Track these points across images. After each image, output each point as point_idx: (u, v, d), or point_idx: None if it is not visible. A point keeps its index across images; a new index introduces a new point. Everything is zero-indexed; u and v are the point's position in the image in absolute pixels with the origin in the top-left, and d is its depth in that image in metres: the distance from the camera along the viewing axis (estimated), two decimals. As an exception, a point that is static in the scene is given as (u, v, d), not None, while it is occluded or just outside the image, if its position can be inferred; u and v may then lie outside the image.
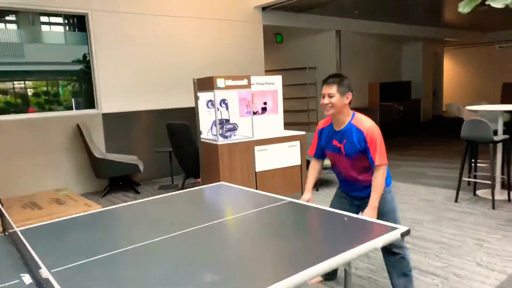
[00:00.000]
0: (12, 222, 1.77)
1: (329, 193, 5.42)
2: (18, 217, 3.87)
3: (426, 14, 10.05)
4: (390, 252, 2.48)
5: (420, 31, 11.64)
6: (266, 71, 8.57)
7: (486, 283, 2.80)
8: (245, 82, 4.57)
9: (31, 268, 1.47)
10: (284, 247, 1.71)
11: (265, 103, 5.12)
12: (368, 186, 2.48)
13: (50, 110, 6.16)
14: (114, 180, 6.00)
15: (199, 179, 5.31)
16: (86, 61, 6.33)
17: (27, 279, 1.44)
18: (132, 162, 5.74)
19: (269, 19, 8.16)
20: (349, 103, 2.49)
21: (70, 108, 6.35)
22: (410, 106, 12.47)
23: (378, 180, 2.37)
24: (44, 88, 6.31)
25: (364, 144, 2.39)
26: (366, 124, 2.42)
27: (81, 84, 6.60)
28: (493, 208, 4.39)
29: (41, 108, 6.12)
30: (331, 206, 2.67)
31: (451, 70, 16.18)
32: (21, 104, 6.03)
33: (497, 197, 4.68)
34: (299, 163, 4.98)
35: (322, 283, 2.91)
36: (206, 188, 2.92)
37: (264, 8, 7.94)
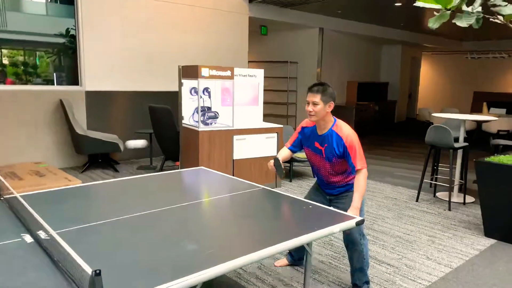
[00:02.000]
0: (11, 188, 1.94)
1: (301, 184, 5.71)
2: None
3: (406, 19, 10.41)
4: (351, 246, 2.74)
5: (399, 35, 12.01)
6: (249, 61, 8.74)
7: (432, 274, 3.12)
8: (228, 73, 4.76)
9: (31, 229, 1.66)
10: (255, 227, 1.95)
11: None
12: (339, 186, 2.76)
13: (29, 82, 6.16)
14: (93, 157, 6.11)
15: (178, 163, 5.50)
16: (69, 36, 6.34)
17: (28, 238, 1.63)
18: (113, 141, 5.86)
19: (255, 11, 8.32)
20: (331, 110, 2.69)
21: (50, 82, 6.37)
22: (386, 107, 12.88)
23: (360, 182, 2.56)
24: (25, 59, 6.29)
25: (343, 149, 2.60)
26: (346, 131, 2.63)
27: (63, 58, 6.61)
28: (449, 209, 4.75)
29: (19, 79, 6.11)
30: (307, 196, 2.93)
31: (428, 75, 16.70)
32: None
33: (454, 199, 5.06)
34: (275, 154, 5.24)
35: (289, 266, 3.18)
36: (186, 171, 3.13)
37: (251, 0, 8.10)
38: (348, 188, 2.76)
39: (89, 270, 1.15)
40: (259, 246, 1.66)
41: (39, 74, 6.38)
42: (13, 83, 5.97)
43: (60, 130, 6.08)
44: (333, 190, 2.81)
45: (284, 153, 2.93)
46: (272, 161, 2.78)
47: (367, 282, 2.80)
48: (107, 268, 1.15)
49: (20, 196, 1.95)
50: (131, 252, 1.59)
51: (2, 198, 2.12)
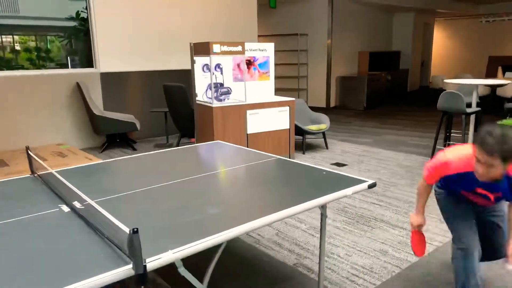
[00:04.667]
0: (45, 165, 2.09)
1: (314, 155, 5.82)
2: (27, 166, 4.16)
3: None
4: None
5: (411, 1, 11.77)
6: (258, 36, 8.73)
7: (445, 236, 3.24)
8: (239, 48, 4.82)
9: (67, 200, 1.81)
10: (271, 193, 2.07)
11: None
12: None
13: (42, 67, 6.30)
14: (111, 137, 6.30)
15: (193, 139, 5.64)
16: (79, 18, 6.43)
17: (65, 208, 1.79)
18: (129, 121, 6.02)
19: (264, -16, 8.27)
20: None
21: (65, 66, 6.51)
22: (398, 76, 12.76)
23: None
24: (39, 44, 6.43)
25: None
26: None
27: (75, 42, 6.72)
28: (462, 174, 4.82)
29: (33, 65, 6.25)
30: (456, 215, 2.31)
31: (441, 41, 16.38)
32: (14, 59, 6.16)
33: (467, 164, 5.12)
34: (288, 127, 5.34)
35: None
36: (202, 145, 3.26)
37: (260, -27, 8.04)
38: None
39: (126, 229, 1.28)
40: (276, 209, 1.78)
41: (53, 59, 6.52)
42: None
43: (78, 112, 6.26)
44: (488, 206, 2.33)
45: (426, 195, 2.36)
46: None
47: None
48: (139, 230, 1.28)
49: (57, 170, 2.10)
50: (159, 217, 1.73)
51: (36, 175, 2.28)
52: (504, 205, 2.30)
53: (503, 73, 11.21)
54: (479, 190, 2.11)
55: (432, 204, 3.89)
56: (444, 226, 3.42)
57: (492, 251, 2.38)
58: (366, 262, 2.84)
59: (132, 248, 1.25)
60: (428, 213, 3.71)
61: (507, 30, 14.35)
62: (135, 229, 1.22)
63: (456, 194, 2.28)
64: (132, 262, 1.29)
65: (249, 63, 5.23)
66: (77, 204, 1.75)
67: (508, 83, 5.54)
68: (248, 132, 5.01)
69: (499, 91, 8.99)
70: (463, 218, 2.25)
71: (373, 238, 3.21)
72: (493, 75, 12.35)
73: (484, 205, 2.29)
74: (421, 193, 2.34)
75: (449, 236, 3.23)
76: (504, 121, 3.99)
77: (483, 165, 1.89)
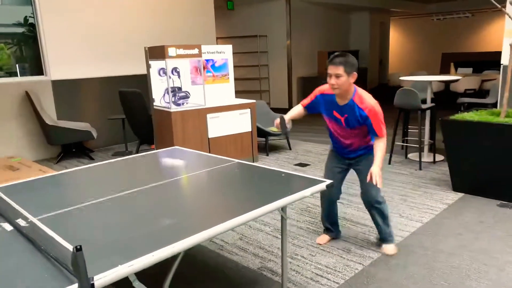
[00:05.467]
0: (-15, 182, 1.95)
1: (278, 157, 5.82)
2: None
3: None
4: (374, 207, 2.87)
5: (366, 1, 12.06)
6: (217, 38, 8.67)
7: (404, 230, 3.30)
8: (196, 51, 4.74)
9: (9, 218, 1.69)
10: (230, 198, 2.02)
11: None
12: (360, 149, 2.82)
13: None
14: (67, 147, 6.04)
15: (153, 146, 5.50)
16: (27, 24, 6.14)
17: (7, 226, 1.67)
18: (85, 129, 5.80)
19: (220, -14, 8.21)
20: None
21: (13, 74, 6.20)
22: (357, 75, 13.03)
23: (381, 146, 2.61)
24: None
25: (365, 120, 2.60)
26: (367, 103, 2.59)
27: (24, 48, 6.42)
28: (420, 169, 4.95)
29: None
30: (326, 167, 3.03)
31: (397, 40, 16.90)
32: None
33: (424, 159, 5.27)
34: (250, 130, 5.31)
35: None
36: (161, 152, 3.17)
37: (216, -25, 7.98)
38: (367, 151, 2.81)
39: (70, 247, 1.20)
40: (235, 215, 1.74)
41: (1, 67, 6.19)
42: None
43: (29, 122, 5.97)
44: (354, 153, 2.85)
45: (297, 110, 2.89)
46: (278, 119, 2.75)
47: (391, 235, 2.96)
48: (87, 246, 1.21)
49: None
50: (109, 232, 1.65)
51: (-24, 192, 2.12)
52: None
53: (456, 69, 11.70)
54: (335, 113, 2.71)
55: (394, 200, 3.97)
56: (404, 220, 3.49)
57: (362, 193, 2.91)
58: (330, 261, 2.84)
59: (77, 267, 1.17)
60: (390, 208, 3.78)
61: (458, 27, 14.99)
62: (78, 247, 1.14)
63: (332, 140, 2.94)
64: (77, 282, 1.21)
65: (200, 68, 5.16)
66: (21, 222, 1.64)
67: (460, 79, 5.75)
68: (210, 136, 4.94)
69: (452, 87, 9.35)
70: (329, 169, 2.99)
71: (336, 237, 3.22)
72: (447, 71, 12.86)
73: (343, 142, 2.84)
74: (295, 108, 2.93)
75: (408, 230, 3.29)
76: (456, 116, 4.12)
77: (332, 77, 2.53)
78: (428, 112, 5.31)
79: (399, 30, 16.81)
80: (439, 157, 5.34)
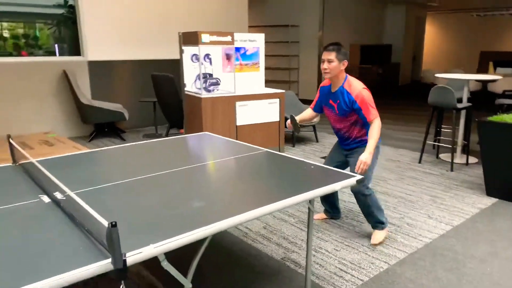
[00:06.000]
0: (27, 154, 2.02)
1: (304, 148, 5.79)
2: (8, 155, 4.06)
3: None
4: (357, 196, 2.96)
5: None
6: (249, 26, 8.64)
7: (433, 232, 3.23)
8: (228, 38, 4.74)
9: (48, 191, 1.74)
10: (258, 186, 2.03)
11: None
12: (354, 142, 2.98)
13: (30, 54, 6.17)
14: (100, 126, 6.20)
15: (182, 130, 5.57)
16: (67, 6, 6.28)
17: (45, 198, 1.73)
18: (118, 110, 5.92)
19: (256, -26, 8.15)
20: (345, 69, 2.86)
21: (52, 53, 6.37)
22: (389, 70, 12.77)
23: (374, 129, 2.77)
24: (27, 32, 6.28)
25: (354, 105, 2.80)
26: (355, 88, 2.81)
27: (63, 29, 6.58)
28: (452, 170, 4.82)
29: (21, 51, 6.12)
30: (329, 154, 3.24)
31: (433, 35, 16.39)
32: (2, 46, 6.02)
33: (457, 160, 5.12)
34: (278, 120, 5.29)
35: (325, 220, 3.42)
36: (190, 137, 3.20)
37: (252, -37, 7.92)
38: (361, 144, 2.94)
39: (105, 222, 1.23)
40: (262, 203, 1.74)
41: (41, 46, 6.38)
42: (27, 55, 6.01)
43: (66, 101, 6.14)
44: (348, 146, 3.03)
45: (306, 113, 3.19)
46: (289, 120, 3.00)
47: (381, 222, 3.03)
48: (120, 223, 1.23)
49: (36, 161, 2.03)
50: (141, 210, 1.68)
51: (17, 164, 2.21)
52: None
53: (494, 69, 11.26)
54: (330, 101, 2.94)
55: (423, 200, 3.89)
56: (433, 222, 3.41)
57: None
58: (355, 257, 2.82)
59: (111, 242, 1.20)
60: (417, 208, 3.70)
61: (499, 25, 14.40)
62: (114, 223, 1.16)
63: (334, 131, 3.11)
64: (111, 257, 1.24)
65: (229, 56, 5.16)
66: (58, 195, 1.69)
67: (499, 79, 5.54)
68: (238, 124, 4.95)
69: (490, 87, 9.03)
70: (329, 157, 3.19)
71: (362, 233, 3.19)
72: (485, 71, 12.40)
73: (340, 131, 3.01)
74: (305, 111, 3.22)
75: (437, 232, 3.22)
76: (495, 117, 3.98)
77: (325, 62, 2.79)
78: (463, 112, 5.15)
79: (435, 25, 16.30)
80: (473, 159, 5.18)
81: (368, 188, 2.90)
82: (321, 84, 3.09)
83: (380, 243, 2.99)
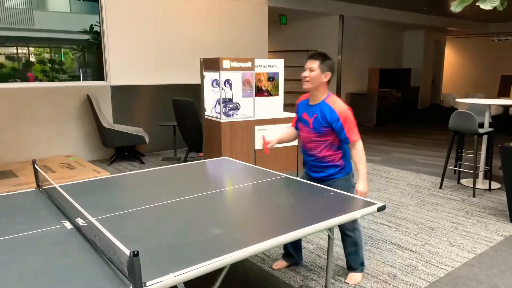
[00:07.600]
0: (50, 179, 2.08)
1: (323, 173, 5.74)
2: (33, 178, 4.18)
3: (429, 2, 10.17)
4: (346, 233, 2.75)
5: (422, 19, 11.75)
6: (268, 51, 8.76)
7: (455, 260, 3.14)
8: (249, 64, 4.82)
9: (70, 217, 1.78)
10: (277, 213, 2.03)
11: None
12: (329, 166, 2.66)
13: (55, 79, 6.40)
14: (120, 150, 6.31)
15: (201, 154, 5.62)
16: (92, 32, 6.52)
17: (67, 224, 1.76)
18: (138, 134, 6.03)
19: (274, 1, 8.32)
20: (328, 82, 2.62)
21: (76, 78, 6.58)
22: (409, 94, 12.68)
23: (360, 153, 2.59)
24: (53, 57, 6.52)
25: (335, 123, 2.53)
26: (340, 105, 2.56)
27: (87, 55, 6.81)
28: (474, 196, 4.71)
29: (47, 76, 6.36)
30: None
31: (452, 59, 16.29)
32: (29, 71, 6.27)
33: (479, 186, 5.01)
34: (296, 144, 5.29)
35: (288, 268, 3.03)
36: (210, 162, 3.23)
37: (271, -10, 8.11)
38: (334, 173, 2.67)
39: (127, 251, 1.25)
40: (282, 231, 1.74)
41: (65, 71, 6.61)
42: (35, 77, 6.23)
43: (87, 124, 6.29)
44: (318, 174, 2.70)
45: (287, 132, 2.97)
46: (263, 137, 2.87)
47: (363, 264, 2.86)
48: (140, 250, 1.25)
49: (59, 186, 2.09)
50: (161, 237, 1.70)
51: (41, 189, 2.27)
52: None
53: (516, 93, 11.07)
54: (305, 115, 2.69)
55: (444, 227, 3.80)
56: (455, 249, 3.32)
57: None
58: (374, 286, 2.76)
59: (132, 272, 1.22)
60: (439, 235, 3.62)
61: (520, 50, 14.25)
62: (136, 252, 1.18)
63: (302, 152, 2.81)
64: (131, 285, 1.25)
65: (260, 89, 5.23)
66: (80, 221, 1.73)
67: (521, 103, 5.45)
68: (256, 148, 4.97)
69: (512, 111, 8.87)
70: None
71: (382, 260, 3.12)
72: (506, 95, 12.21)
73: (309, 150, 2.72)
74: (287, 130, 3.00)
75: (460, 260, 3.13)
76: (518, 143, 3.90)
77: (306, 70, 2.57)
78: (485, 137, 5.06)
79: (455, 49, 16.22)
80: (495, 185, 5.06)
81: (357, 222, 2.73)
82: (298, 100, 2.84)
83: (357, 284, 2.79)
